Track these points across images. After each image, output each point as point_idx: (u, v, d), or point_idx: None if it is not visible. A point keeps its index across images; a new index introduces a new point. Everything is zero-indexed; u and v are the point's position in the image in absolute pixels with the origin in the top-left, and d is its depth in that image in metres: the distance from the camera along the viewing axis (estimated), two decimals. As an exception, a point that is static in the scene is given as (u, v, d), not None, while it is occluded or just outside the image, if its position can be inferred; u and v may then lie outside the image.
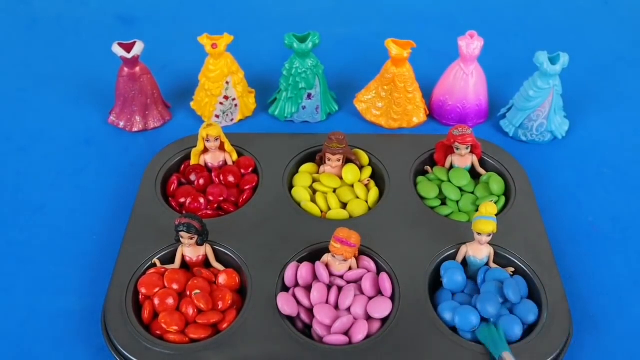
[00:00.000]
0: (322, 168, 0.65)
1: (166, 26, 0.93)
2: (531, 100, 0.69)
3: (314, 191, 0.63)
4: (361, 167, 0.65)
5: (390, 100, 0.72)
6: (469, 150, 0.64)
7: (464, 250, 0.56)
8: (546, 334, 0.50)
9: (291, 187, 0.64)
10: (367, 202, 0.62)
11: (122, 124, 0.73)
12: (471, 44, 0.69)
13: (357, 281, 0.54)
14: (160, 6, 0.97)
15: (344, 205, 0.62)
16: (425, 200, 0.62)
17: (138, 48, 0.69)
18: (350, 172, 0.63)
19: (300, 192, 0.62)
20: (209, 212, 0.60)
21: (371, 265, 0.55)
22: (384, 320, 0.51)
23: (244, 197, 0.62)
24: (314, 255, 0.56)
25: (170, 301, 0.52)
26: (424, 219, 0.60)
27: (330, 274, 0.54)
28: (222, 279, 0.54)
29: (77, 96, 0.79)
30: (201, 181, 0.63)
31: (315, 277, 0.54)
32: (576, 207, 0.65)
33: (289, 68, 0.71)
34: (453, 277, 0.53)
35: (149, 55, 0.71)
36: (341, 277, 0.54)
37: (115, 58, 0.69)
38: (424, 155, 0.66)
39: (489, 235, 0.53)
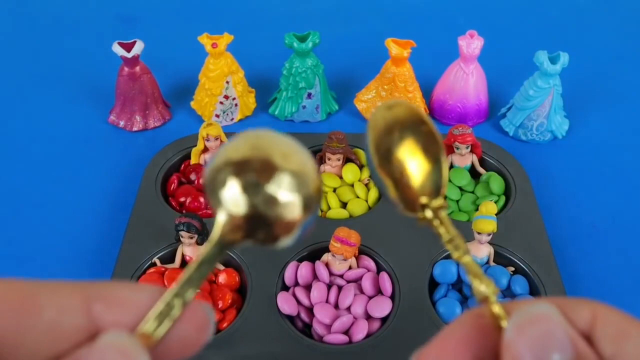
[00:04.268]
0: (322, 167, 0.65)
1: (166, 25, 0.93)
2: (531, 100, 0.69)
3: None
4: (361, 167, 0.65)
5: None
6: (469, 149, 0.64)
7: (464, 250, 0.55)
8: (546, 333, 0.50)
9: (291, 186, 0.64)
10: (367, 201, 0.62)
11: (122, 123, 0.73)
12: (471, 44, 0.69)
13: (357, 280, 0.54)
14: (161, 6, 0.97)
15: (344, 205, 0.62)
16: (425, 200, 0.62)
17: (138, 47, 0.69)
18: (350, 172, 0.63)
19: (300, 192, 0.62)
20: (209, 211, 0.60)
21: (371, 264, 0.55)
22: (384, 320, 0.51)
23: (244, 197, 0.62)
24: (313, 255, 0.56)
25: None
26: (424, 218, 0.60)
27: (330, 274, 0.54)
28: (221, 278, 0.54)
29: (76, 95, 0.79)
30: (201, 180, 0.63)
31: (315, 277, 0.54)
32: (576, 206, 0.65)
33: (289, 67, 0.71)
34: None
35: (149, 54, 0.71)
36: (341, 276, 0.54)
37: (115, 57, 0.69)
38: (424, 154, 0.66)
39: (489, 234, 0.53)
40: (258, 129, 0.21)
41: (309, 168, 0.21)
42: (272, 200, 0.21)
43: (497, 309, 0.20)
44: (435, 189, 0.22)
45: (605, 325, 0.20)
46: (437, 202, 0.22)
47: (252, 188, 0.21)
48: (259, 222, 0.21)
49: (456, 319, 0.22)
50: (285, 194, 0.21)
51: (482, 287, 0.21)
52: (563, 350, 0.18)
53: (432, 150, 0.22)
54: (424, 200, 0.22)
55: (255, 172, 0.21)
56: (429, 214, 0.22)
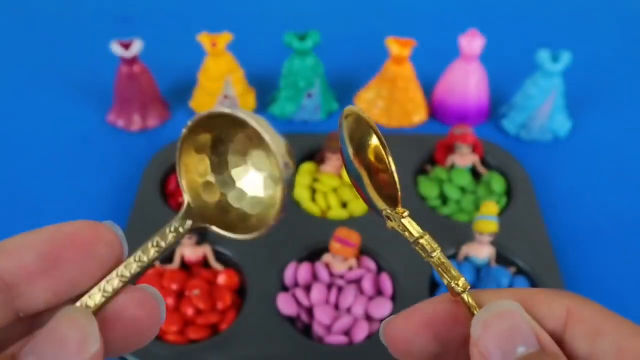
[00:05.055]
0: (322, 167, 0.64)
1: (165, 25, 0.92)
2: (532, 99, 0.69)
3: (314, 190, 0.63)
4: (361, 167, 0.64)
5: (391, 100, 0.72)
6: (470, 149, 0.63)
7: (464, 250, 0.55)
8: (548, 334, 0.50)
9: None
10: (367, 201, 0.62)
11: (120, 123, 0.73)
12: (472, 43, 0.69)
13: (358, 281, 0.53)
14: (159, 5, 0.97)
15: (344, 205, 0.62)
16: (425, 200, 0.62)
17: (137, 47, 0.68)
18: (351, 172, 0.63)
19: (300, 192, 0.62)
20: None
21: (371, 265, 0.55)
22: (384, 321, 0.51)
23: (244, 197, 0.62)
24: (313, 255, 0.56)
25: (169, 301, 0.51)
26: (424, 218, 0.59)
27: (331, 274, 0.53)
28: (221, 279, 0.54)
29: (75, 95, 0.79)
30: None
31: (315, 277, 0.53)
32: (578, 206, 0.65)
33: (288, 67, 0.71)
34: None
35: (148, 54, 0.71)
36: (341, 277, 0.53)
37: (114, 57, 0.69)
38: (425, 154, 0.66)
39: (490, 235, 0.53)
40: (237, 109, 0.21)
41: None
42: (241, 196, 0.21)
43: (468, 299, 0.21)
44: (393, 197, 0.23)
45: (579, 322, 0.20)
46: (397, 210, 0.23)
47: (221, 181, 0.21)
48: (225, 213, 0.21)
49: (433, 297, 0.22)
50: (254, 196, 0.21)
51: (452, 283, 0.21)
52: (528, 343, 0.19)
53: (382, 160, 0.22)
54: (386, 212, 0.23)
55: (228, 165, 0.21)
56: (392, 222, 0.23)
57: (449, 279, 0.21)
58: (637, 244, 0.61)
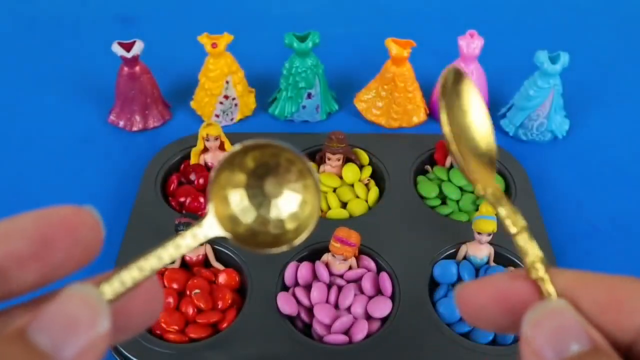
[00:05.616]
0: (322, 167, 0.65)
1: (166, 25, 0.93)
2: (531, 100, 0.69)
3: (314, 191, 0.63)
4: (361, 167, 0.65)
5: (391, 100, 0.72)
6: (469, 149, 0.64)
7: (464, 250, 0.56)
8: (546, 333, 0.50)
9: (291, 186, 0.64)
10: (367, 201, 0.62)
11: (121, 123, 0.73)
12: (471, 44, 0.69)
13: (357, 281, 0.54)
14: (160, 5, 0.97)
15: (344, 205, 0.62)
16: (425, 200, 0.62)
17: (138, 47, 0.68)
18: (350, 172, 0.63)
19: (300, 192, 0.62)
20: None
21: (371, 264, 0.55)
22: (383, 320, 0.51)
23: (244, 197, 0.62)
24: (313, 255, 0.56)
25: (170, 301, 0.52)
26: (424, 218, 0.60)
27: (330, 274, 0.53)
28: (221, 278, 0.54)
29: (76, 95, 0.79)
30: (201, 180, 0.63)
31: (315, 277, 0.54)
32: (576, 206, 0.65)
33: (288, 67, 0.71)
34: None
35: (149, 54, 0.71)
36: (341, 276, 0.53)
37: (115, 57, 0.69)
38: (424, 154, 0.66)
39: (489, 234, 0.53)
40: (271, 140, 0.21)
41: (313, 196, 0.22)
42: (271, 220, 0.22)
43: (545, 282, 0.21)
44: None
45: None
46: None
47: (257, 202, 0.22)
48: (254, 233, 0.22)
49: (513, 271, 0.22)
50: (285, 219, 0.22)
51: (532, 264, 0.21)
52: (580, 341, 0.19)
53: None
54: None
55: (264, 189, 0.22)
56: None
57: (529, 260, 0.21)
58: (636, 244, 0.61)
